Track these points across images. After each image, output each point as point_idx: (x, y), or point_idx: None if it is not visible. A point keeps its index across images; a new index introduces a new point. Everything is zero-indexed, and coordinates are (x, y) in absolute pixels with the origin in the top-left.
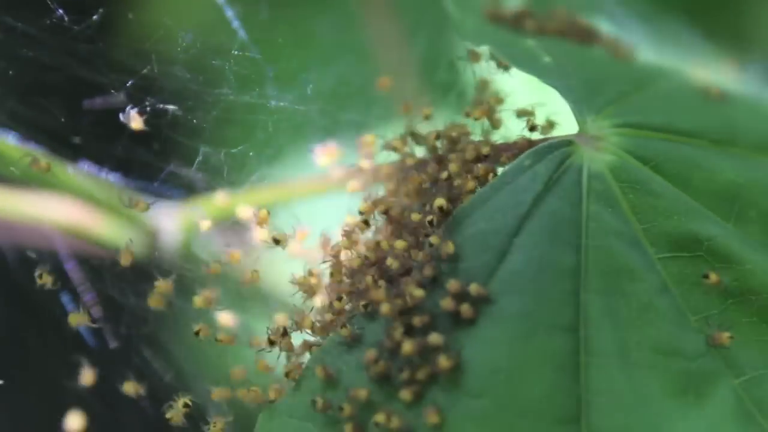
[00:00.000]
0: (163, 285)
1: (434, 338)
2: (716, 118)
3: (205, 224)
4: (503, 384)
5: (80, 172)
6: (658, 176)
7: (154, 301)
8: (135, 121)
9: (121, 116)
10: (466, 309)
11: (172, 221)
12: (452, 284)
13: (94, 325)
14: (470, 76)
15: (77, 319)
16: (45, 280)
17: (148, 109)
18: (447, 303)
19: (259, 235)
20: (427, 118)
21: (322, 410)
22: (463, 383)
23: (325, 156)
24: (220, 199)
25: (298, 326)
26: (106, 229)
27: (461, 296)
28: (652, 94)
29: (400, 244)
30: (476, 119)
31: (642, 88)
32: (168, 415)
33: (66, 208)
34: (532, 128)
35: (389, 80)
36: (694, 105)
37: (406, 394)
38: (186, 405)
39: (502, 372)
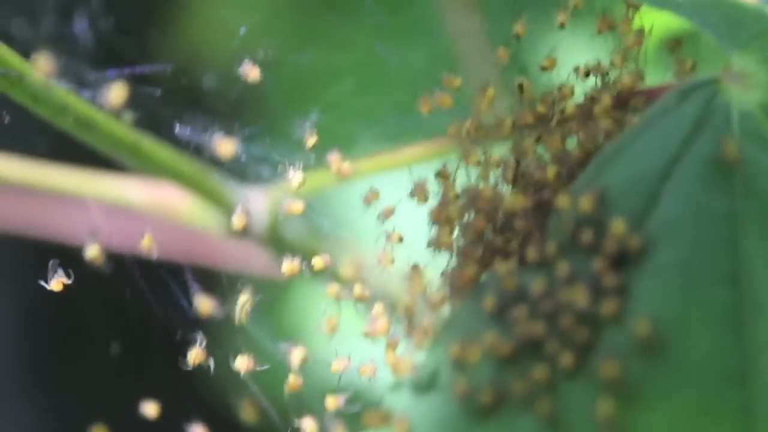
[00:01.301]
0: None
1: (580, 295)
2: None
3: (297, 206)
4: (662, 344)
5: (171, 143)
6: None
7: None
8: (252, 72)
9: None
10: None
11: (260, 202)
12: (610, 243)
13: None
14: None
15: (205, 307)
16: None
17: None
18: (599, 265)
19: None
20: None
21: (463, 395)
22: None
23: (429, 105)
24: (313, 175)
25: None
26: (192, 210)
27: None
28: None
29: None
30: (626, 48)
31: None
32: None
33: (153, 189)
34: (680, 68)
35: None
36: None
37: (567, 359)
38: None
39: (660, 328)
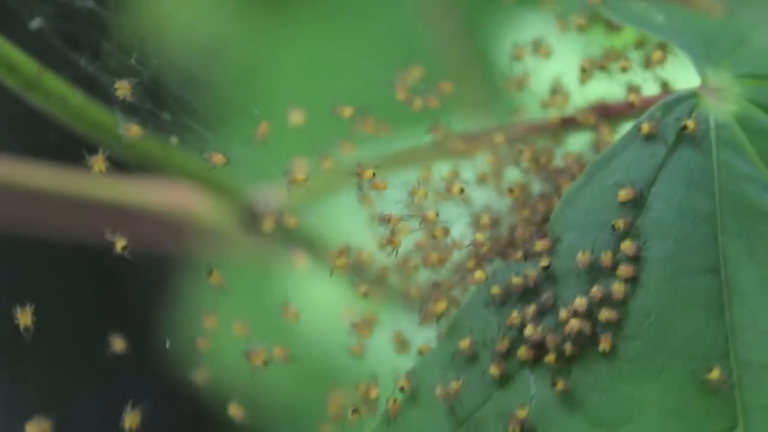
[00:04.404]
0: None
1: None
2: None
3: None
4: (654, 326)
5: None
6: None
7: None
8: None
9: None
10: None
11: (274, 201)
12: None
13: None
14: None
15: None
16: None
17: None
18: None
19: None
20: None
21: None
22: (619, 328)
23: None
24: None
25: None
26: (208, 211)
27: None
28: (758, 46)
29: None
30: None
31: (746, 40)
32: None
33: (170, 191)
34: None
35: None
36: None
37: (569, 348)
38: None
39: (652, 315)
